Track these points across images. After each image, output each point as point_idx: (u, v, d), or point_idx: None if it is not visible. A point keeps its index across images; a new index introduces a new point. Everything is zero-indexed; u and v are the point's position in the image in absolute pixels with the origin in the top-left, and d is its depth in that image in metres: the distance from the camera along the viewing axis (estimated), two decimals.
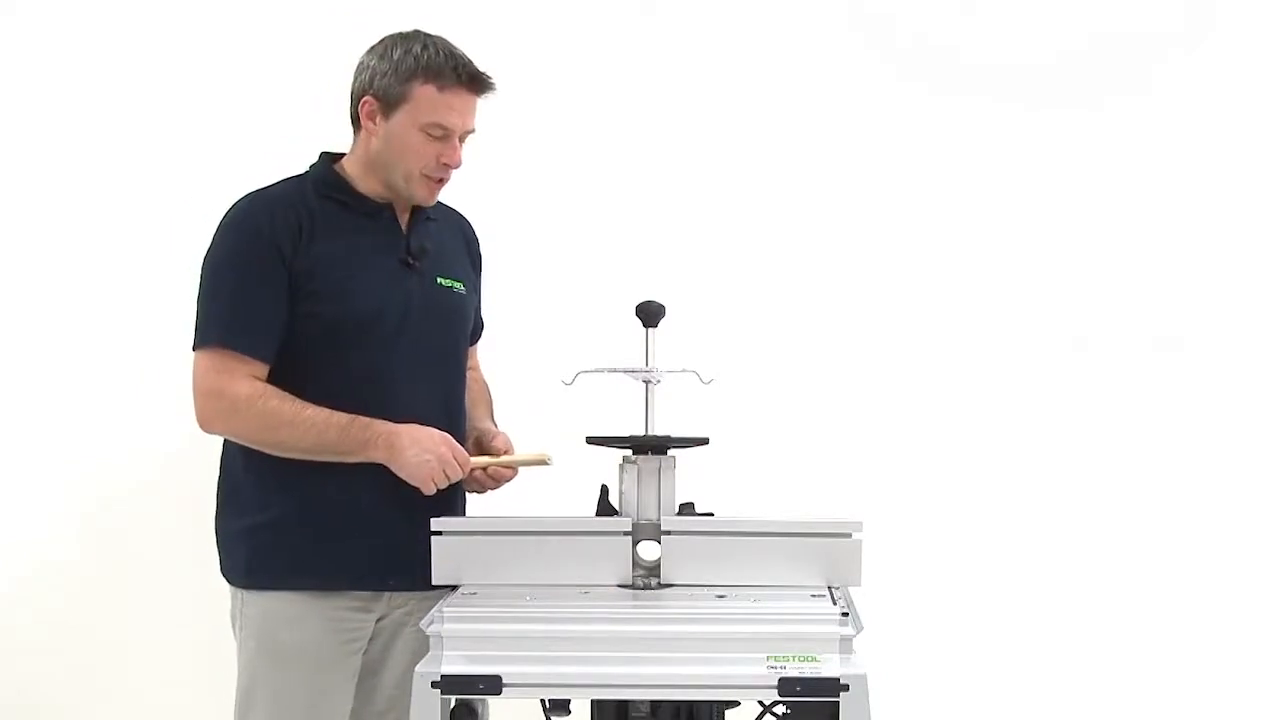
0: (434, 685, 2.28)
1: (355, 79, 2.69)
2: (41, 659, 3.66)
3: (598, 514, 2.67)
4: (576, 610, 2.36)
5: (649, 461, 2.61)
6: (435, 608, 2.39)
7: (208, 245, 2.64)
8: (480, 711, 2.37)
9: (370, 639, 2.70)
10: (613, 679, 2.31)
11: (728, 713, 2.60)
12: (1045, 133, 3.81)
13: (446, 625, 2.32)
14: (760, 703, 2.47)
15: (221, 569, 2.71)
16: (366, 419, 2.56)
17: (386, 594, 2.67)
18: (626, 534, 2.56)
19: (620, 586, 2.53)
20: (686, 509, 2.65)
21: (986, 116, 3.81)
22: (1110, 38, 3.81)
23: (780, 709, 2.43)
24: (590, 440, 2.66)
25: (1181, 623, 3.76)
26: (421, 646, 2.40)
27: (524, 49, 3.75)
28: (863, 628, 2.33)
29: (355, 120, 2.69)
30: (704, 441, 2.63)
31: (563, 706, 2.49)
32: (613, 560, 2.54)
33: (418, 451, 2.55)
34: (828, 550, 2.52)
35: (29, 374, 3.67)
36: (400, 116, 2.61)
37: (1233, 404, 3.81)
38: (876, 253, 3.81)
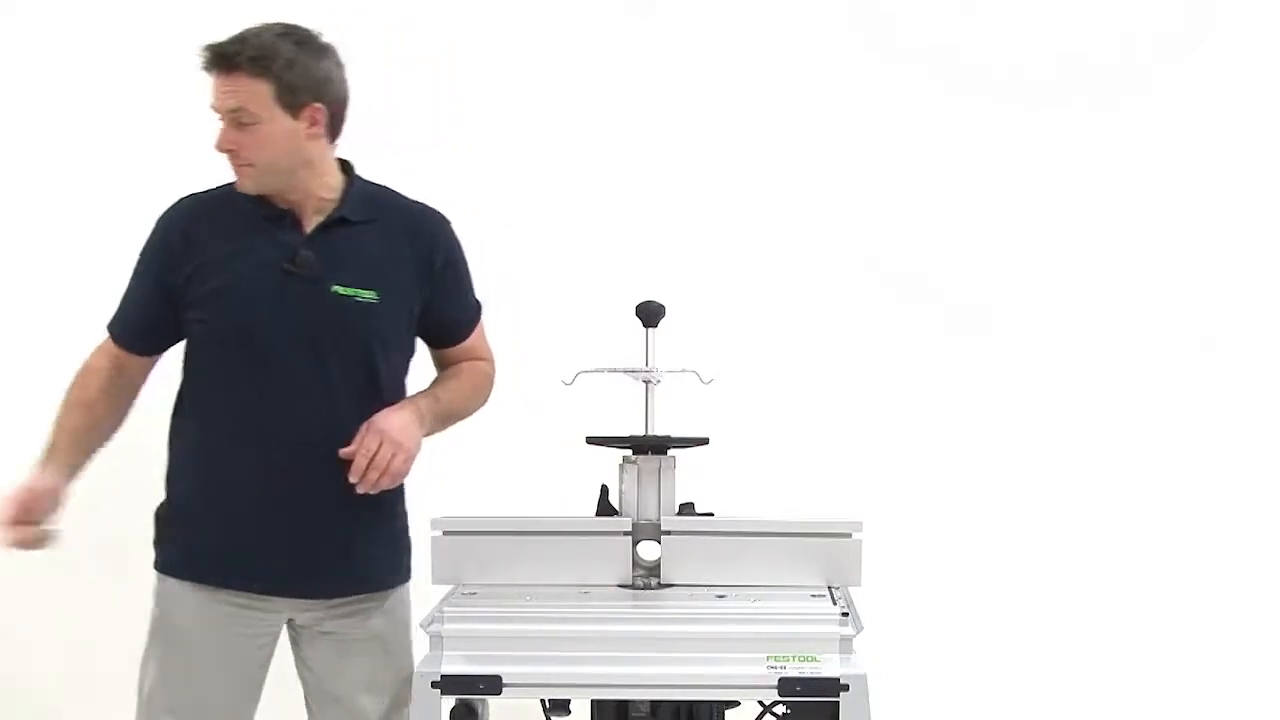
0: (434, 685, 2.28)
1: None
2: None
3: (598, 514, 2.67)
4: (576, 610, 2.36)
5: (649, 461, 2.61)
6: (435, 607, 2.39)
7: None
8: (480, 711, 2.37)
9: (295, 641, 2.67)
10: (613, 679, 2.31)
11: (728, 713, 2.60)
12: (1045, 133, 3.80)
13: (446, 625, 2.32)
14: (760, 703, 2.48)
15: None
16: (48, 464, 2.57)
17: (284, 598, 2.60)
18: (626, 534, 2.56)
19: (620, 586, 2.53)
20: (686, 509, 2.65)
21: (987, 116, 3.80)
22: (1110, 38, 3.81)
23: (780, 709, 2.44)
24: (590, 440, 2.66)
25: (1182, 623, 3.75)
26: (343, 650, 2.56)
27: (525, 49, 3.75)
28: (863, 628, 2.33)
29: None
30: (704, 441, 2.64)
31: (563, 706, 2.50)
32: (613, 560, 2.55)
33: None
34: (828, 550, 2.53)
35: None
36: None
37: (1234, 405, 3.81)
38: (876, 253, 3.81)
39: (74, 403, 2.60)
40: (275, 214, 2.57)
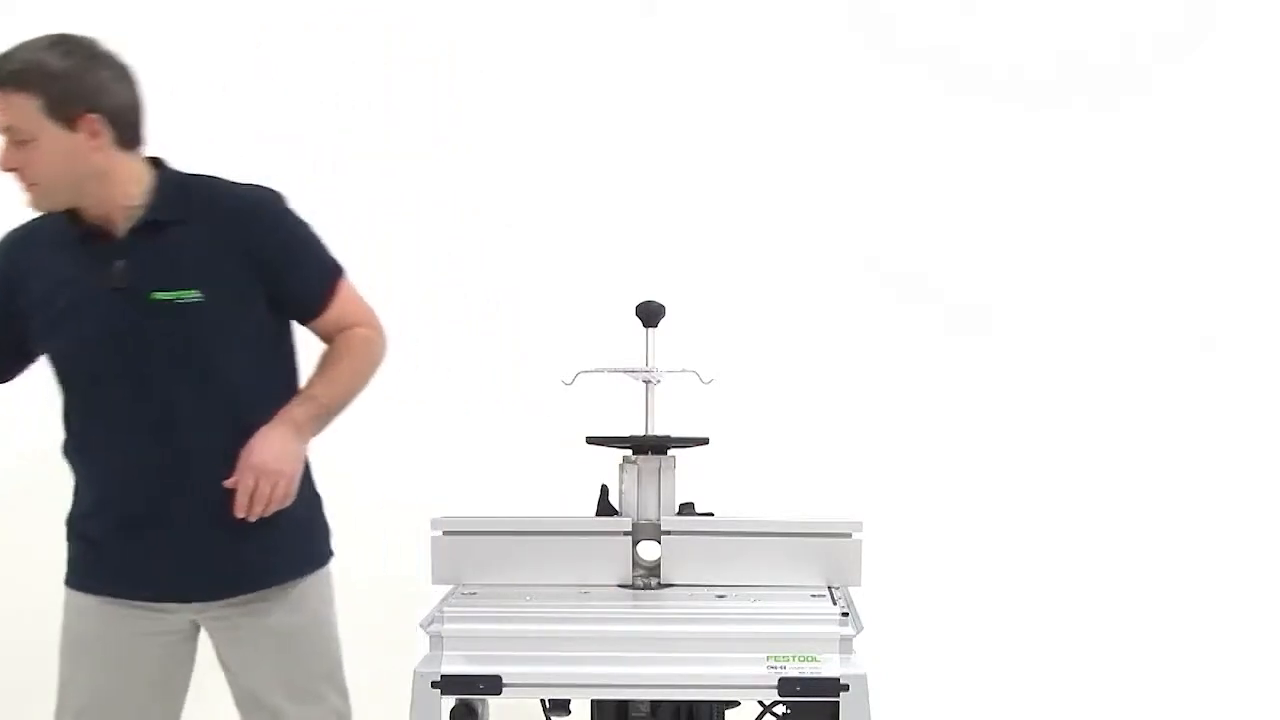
0: (434, 685, 2.28)
1: None
2: None
3: (598, 514, 2.67)
4: (576, 610, 2.36)
5: (649, 461, 2.61)
6: (435, 607, 2.39)
7: None
8: (480, 711, 2.37)
9: (210, 637, 2.64)
10: (613, 679, 2.31)
11: (728, 713, 2.60)
12: (1045, 133, 3.80)
13: (446, 625, 2.32)
14: (760, 703, 2.48)
15: None
16: None
17: (174, 603, 2.58)
18: (626, 534, 2.56)
19: (620, 586, 2.53)
20: (686, 509, 2.65)
21: (986, 116, 3.80)
22: (1110, 38, 3.81)
23: (780, 709, 2.44)
24: (590, 440, 2.66)
25: (1182, 622, 3.75)
26: (248, 647, 2.56)
27: (525, 49, 3.75)
28: (863, 628, 2.33)
29: None
30: (704, 441, 2.63)
31: (563, 706, 2.50)
32: (613, 560, 2.54)
33: None
34: (828, 550, 2.52)
35: None
36: None
37: (1235, 404, 3.81)
38: (876, 252, 3.81)
39: None
40: (86, 232, 2.50)
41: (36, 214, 2.54)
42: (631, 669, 2.30)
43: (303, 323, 2.64)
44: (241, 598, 2.57)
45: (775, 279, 3.79)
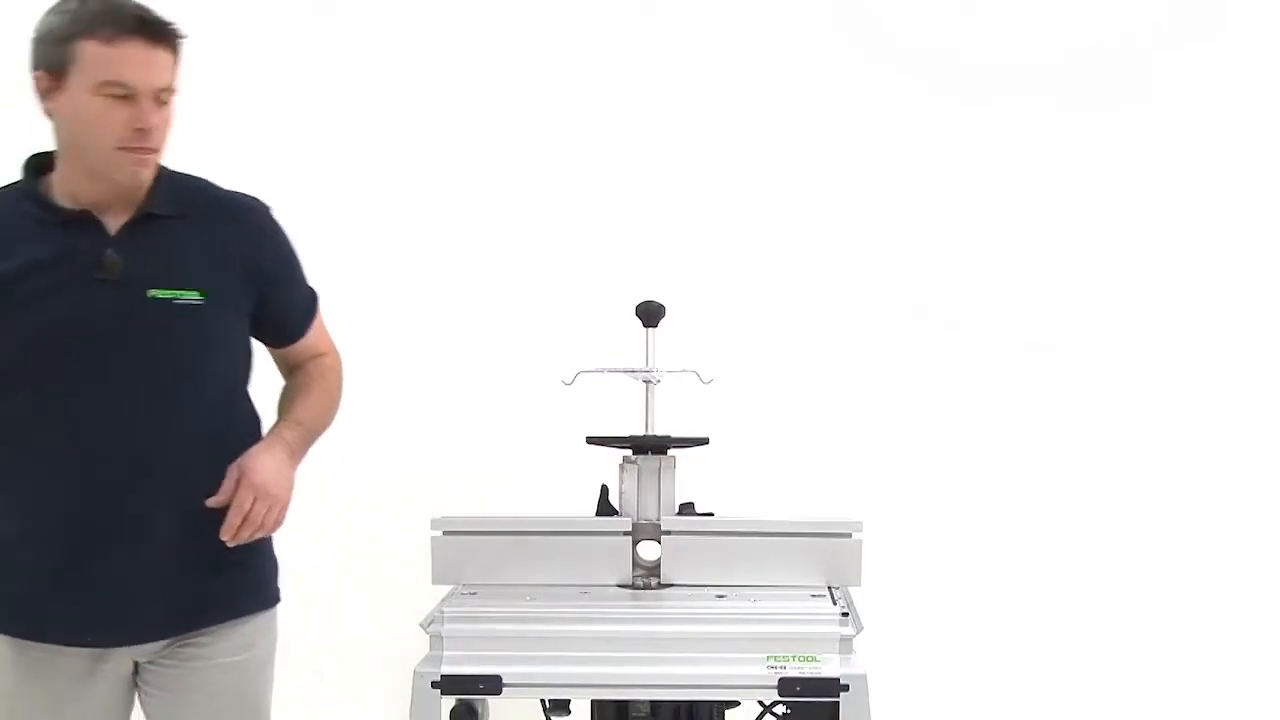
0: (434, 685, 2.28)
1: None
2: None
3: (598, 514, 2.67)
4: (576, 610, 2.36)
5: (649, 461, 2.61)
6: (435, 607, 2.38)
7: None
8: (480, 711, 2.37)
9: (150, 690, 2.36)
10: (613, 679, 2.31)
11: (728, 713, 2.60)
12: (1045, 133, 3.80)
13: (446, 625, 2.32)
14: (760, 703, 2.48)
15: None
16: None
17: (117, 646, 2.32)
18: (626, 534, 2.56)
19: (620, 586, 2.53)
20: (686, 509, 2.65)
21: (986, 117, 3.80)
22: (1110, 38, 3.81)
23: (780, 709, 2.44)
24: (590, 440, 2.66)
25: (1181, 622, 3.76)
26: (184, 691, 2.32)
27: (524, 50, 3.75)
28: (863, 628, 2.33)
29: (48, 112, 2.26)
30: (704, 441, 2.63)
31: (563, 706, 2.49)
32: (613, 560, 2.54)
33: None
34: (828, 550, 2.53)
35: None
36: (72, 83, 2.19)
37: (1236, 404, 3.81)
38: (876, 253, 3.81)
39: None
40: (73, 218, 2.26)
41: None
42: (631, 669, 2.30)
43: (276, 346, 2.49)
44: (194, 635, 2.34)
45: (775, 279, 3.79)
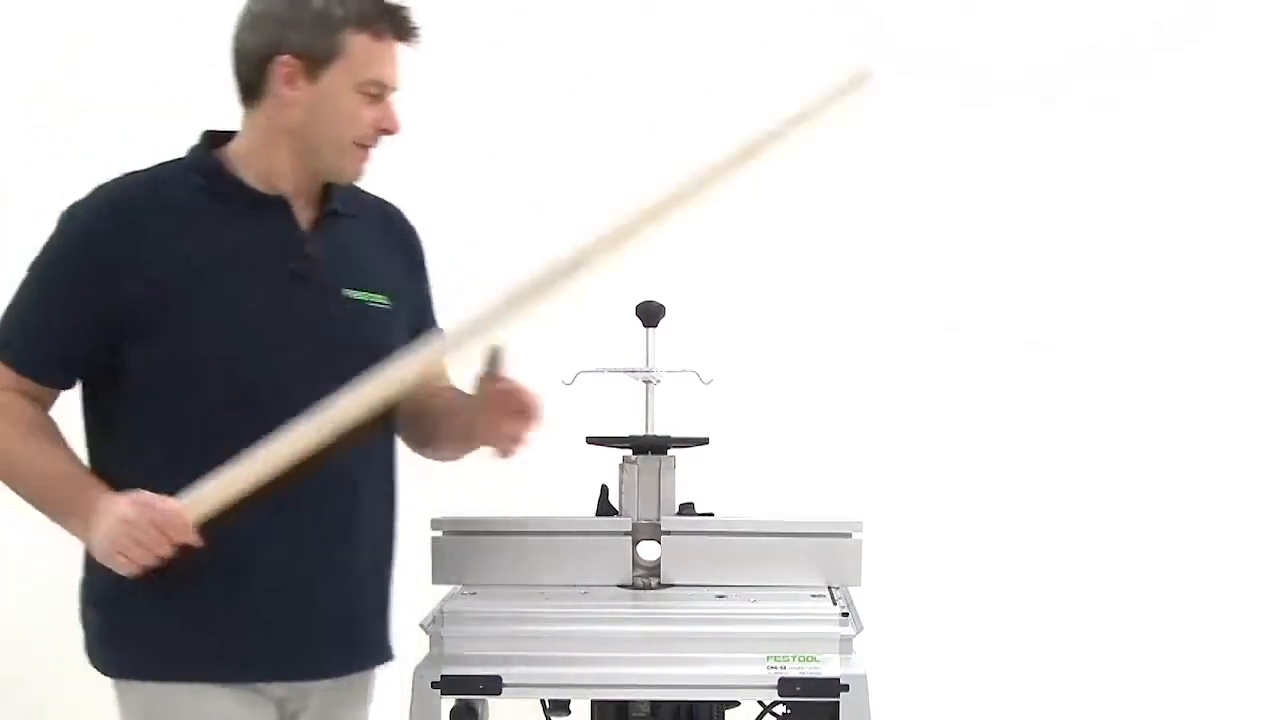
0: (434, 686, 2.28)
1: (250, 36, 2.09)
2: None
3: (598, 514, 2.67)
4: (576, 610, 2.36)
5: (649, 461, 2.60)
6: (435, 607, 2.38)
7: None
8: (480, 711, 2.36)
9: None
10: (613, 679, 2.31)
11: (728, 713, 2.60)
12: (1045, 133, 3.80)
13: (446, 625, 2.31)
14: (760, 703, 2.47)
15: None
16: (87, 477, 2.02)
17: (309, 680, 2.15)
18: (626, 534, 2.56)
19: (620, 586, 2.53)
20: (686, 509, 2.65)
21: (986, 117, 3.80)
22: (1110, 38, 3.81)
23: (780, 709, 2.44)
24: (590, 440, 2.66)
25: (1182, 623, 3.76)
26: None
27: (523, 48, 3.75)
28: (863, 628, 2.33)
29: (252, 90, 2.10)
30: (704, 441, 2.63)
31: (563, 707, 2.49)
32: (613, 560, 2.54)
33: (108, 522, 1.92)
34: (828, 550, 2.52)
35: None
36: (333, 75, 2.06)
37: (1236, 403, 3.80)
38: (876, 253, 3.81)
39: (18, 444, 2.03)
40: (264, 199, 2.08)
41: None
42: (631, 669, 2.30)
43: None
44: (352, 676, 2.22)
45: (775, 279, 3.79)
